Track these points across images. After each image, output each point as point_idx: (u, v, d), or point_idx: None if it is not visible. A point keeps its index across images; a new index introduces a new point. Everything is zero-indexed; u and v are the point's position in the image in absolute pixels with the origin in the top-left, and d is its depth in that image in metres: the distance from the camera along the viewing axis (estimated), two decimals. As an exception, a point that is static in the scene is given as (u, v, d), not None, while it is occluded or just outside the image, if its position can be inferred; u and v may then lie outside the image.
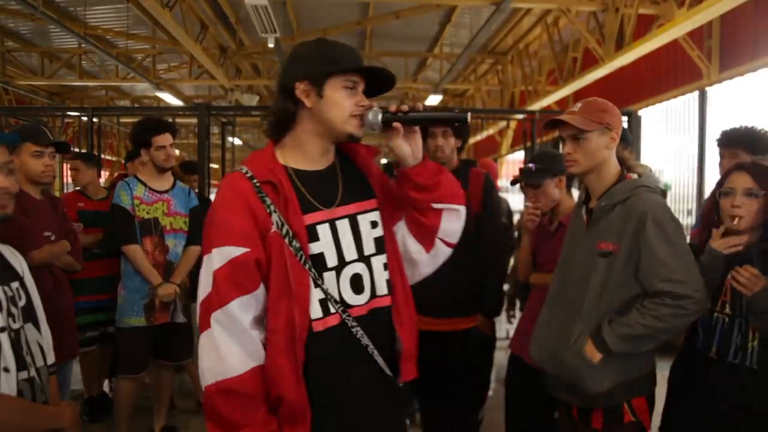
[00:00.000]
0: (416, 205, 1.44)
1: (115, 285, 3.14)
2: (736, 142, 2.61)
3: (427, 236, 1.48)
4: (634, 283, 1.71)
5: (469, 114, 1.46)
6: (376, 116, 1.37)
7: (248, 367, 1.26)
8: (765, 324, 1.71)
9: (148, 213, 3.04)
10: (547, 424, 2.32)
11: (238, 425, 1.25)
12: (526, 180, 2.49)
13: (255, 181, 1.33)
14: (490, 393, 4.01)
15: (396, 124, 1.38)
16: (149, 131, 3.06)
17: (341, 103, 1.36)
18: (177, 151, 3.66)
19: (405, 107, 1.39)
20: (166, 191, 3.13)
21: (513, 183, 2.75)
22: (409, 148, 1.40)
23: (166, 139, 3.06)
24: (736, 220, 1.74)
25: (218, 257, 1.28)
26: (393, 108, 1.40)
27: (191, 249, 3.14)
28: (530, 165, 2.50)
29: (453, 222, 1.48)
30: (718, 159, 2.74)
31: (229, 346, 1.26)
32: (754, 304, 1.71)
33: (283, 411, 1.29)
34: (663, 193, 1.86)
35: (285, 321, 1.28)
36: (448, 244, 1.52)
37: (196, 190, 4.36)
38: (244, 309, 1.27)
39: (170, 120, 7.26)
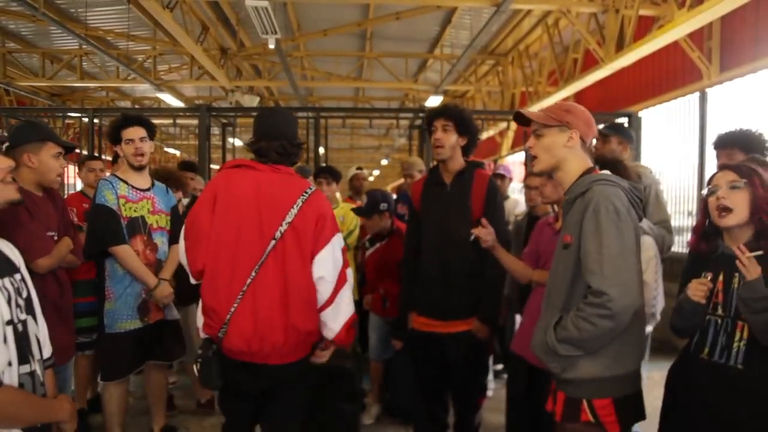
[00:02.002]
0: None
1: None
2: (731, 142, 2.65)
3: None
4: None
5: None
6: None
7: None
8: (755, 319, 1.68)
9: (135, 211, 2.92)
10: (548, 423, 2.32)
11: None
12: None
13: None
14: (490, 393, 4.02)
15: None
16: (118, 126, 2.93)
17: None
18: (179, 153, 3.62)
19: None
20: (148, 189, 3.03)
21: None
22: None
23: (135, 132, 2.90)
24: (725, 213, 1.77)
25: (341, 237, 2.17)
26: None
27: (176, 247, 3.04)
28: None
29: None
30: (716, 162, 2.77)
31: None
32: (746, 289, 1.68)
33: None
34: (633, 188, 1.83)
35: None
36: None
37: (193, 189, 4.33)
38: None
39: (170, 121, 7.34)
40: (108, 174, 3.53)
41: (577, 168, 1.83)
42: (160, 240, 3.03)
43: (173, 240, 3.08)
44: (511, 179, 4.89)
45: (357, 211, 3.55)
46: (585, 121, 1.84)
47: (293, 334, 2.05)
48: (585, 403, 1.72)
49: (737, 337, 1.74)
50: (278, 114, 2.26)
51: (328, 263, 2.07)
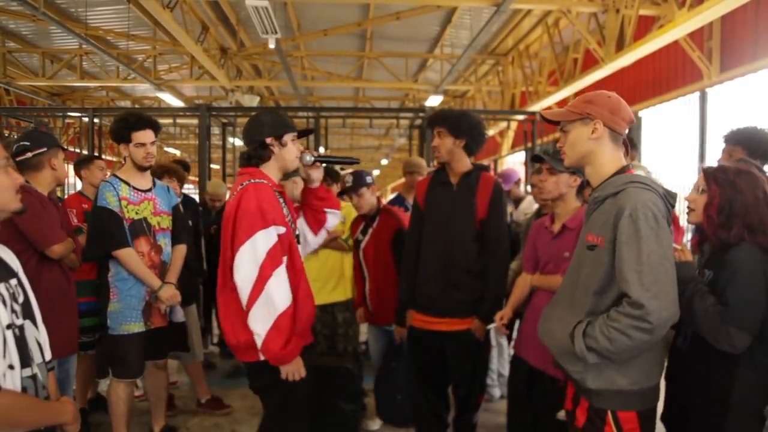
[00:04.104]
0: (315, 208, 2.43)
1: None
2: (735, 140, 2.64)
3: (317, 226, 2.46)
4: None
5: (357, 160, 2.62)
6: (306, 157, 2.31)
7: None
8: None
9: (137, 213, 2.90)
10: (549, 425, 2.32)
11: (290, 337, 2.08)
12: (548, 154, 2.42)
13: (274, 188, 2.18)
14: (496, 396, 4.01)
15: (317, 163, 2.35)
16: (129, 126, 2.87)
17: (293, 149, 2.25)
18: (179, 152, 3.65)
19: (316, 153, 2.37)
20: (149, 190, 3.00)
21: (533, 159, 2.60)
22: (320, 176, 2.39)
23: (146, 136, 2.87)
24: (688, 212, 1.96)
25: (273, 233, 2.06)
26: (313, 153, 2.35)
27: (179, 247, 3.07)
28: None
29: (334, 219, 2.49)
30: (719, 157, 2.76)
31: (284, 292, 2.07)
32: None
33: (302, 326, 2.20)
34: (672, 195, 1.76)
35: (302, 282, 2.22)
36: (327, 232, 2.53)
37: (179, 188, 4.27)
38: (285, 267, 2.10)
39: (170, 121, 7.33)
40: (108, 173, 3.54)
41: (609, 165, 1.74)
42: (164, 241, 3.01)
43: (177, 240, 3.08)
44: (519, 180, 4.87)
45: (346, 191, 3.45)
46: (609, 108, 1.74)
47: (231, 334, 2.14)
48: (610, 414, 1.67)
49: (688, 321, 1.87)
50: (247, 123, 2.28)
51: (243, 266, 2.02)
